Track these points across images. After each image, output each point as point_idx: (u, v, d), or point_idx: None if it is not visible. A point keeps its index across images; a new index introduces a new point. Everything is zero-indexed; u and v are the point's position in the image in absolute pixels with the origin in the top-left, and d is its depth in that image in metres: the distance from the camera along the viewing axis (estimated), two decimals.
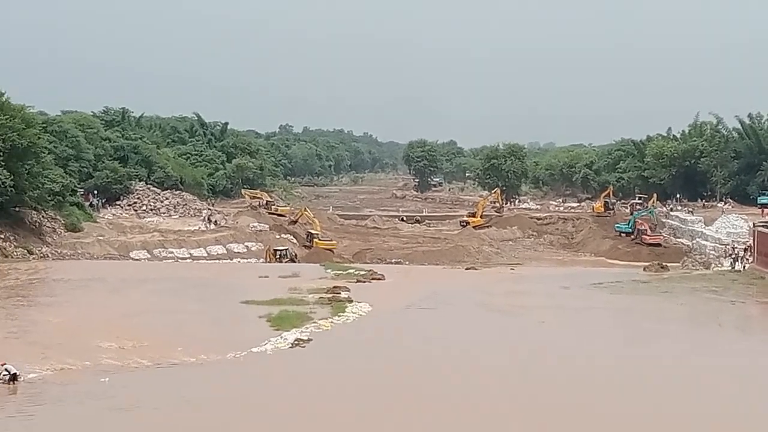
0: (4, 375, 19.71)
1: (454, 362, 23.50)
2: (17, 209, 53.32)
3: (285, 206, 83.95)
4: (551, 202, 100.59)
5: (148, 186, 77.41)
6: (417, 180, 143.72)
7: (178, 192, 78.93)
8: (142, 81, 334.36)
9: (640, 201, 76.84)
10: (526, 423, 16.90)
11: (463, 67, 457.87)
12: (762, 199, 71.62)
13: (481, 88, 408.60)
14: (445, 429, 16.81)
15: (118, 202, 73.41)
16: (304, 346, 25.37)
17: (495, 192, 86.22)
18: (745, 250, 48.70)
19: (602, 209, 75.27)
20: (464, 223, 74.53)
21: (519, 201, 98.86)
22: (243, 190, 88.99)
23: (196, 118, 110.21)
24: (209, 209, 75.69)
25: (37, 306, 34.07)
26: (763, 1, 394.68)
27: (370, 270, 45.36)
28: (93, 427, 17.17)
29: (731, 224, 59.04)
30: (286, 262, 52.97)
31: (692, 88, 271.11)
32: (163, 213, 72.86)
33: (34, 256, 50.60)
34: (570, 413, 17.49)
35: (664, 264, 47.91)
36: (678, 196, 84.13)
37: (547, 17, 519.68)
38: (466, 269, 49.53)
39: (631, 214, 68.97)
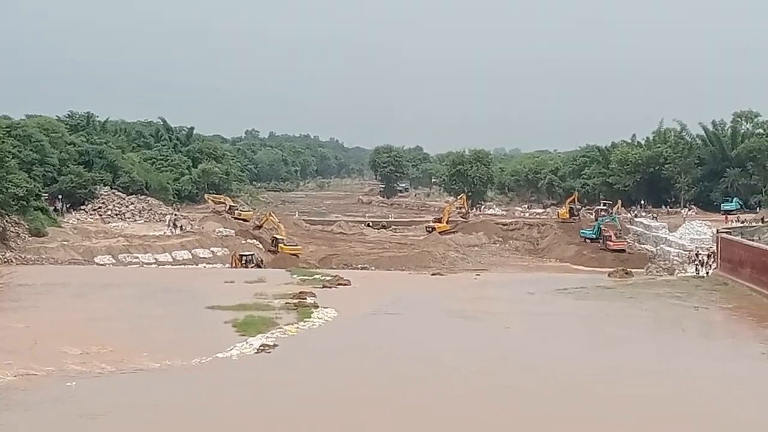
0: None
1: (418, 367, 23.76)
2: None
3: (249, 211, 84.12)
4: (517, 207, 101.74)
5: (113, 191, 77.34)
6: (383, 186, 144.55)
7: (143, 197, 79.06)
8: (107, 84, 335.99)
9: (604, 207, 77.39)
10: (486, 425, 17.68)
11: (430, 73, 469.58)
12: (725, 206, 73.83)
13: (448, 95, 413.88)
14: (407, 403, 18.55)
15: (82, 207, 72.81)
16: (269, 352, 25.70)
17: (461, 198, 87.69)
18: (709, 256, 49.65)
19: (567, 215, 76.02)
20: (430, 229, 75.32)
21: (485, 207, 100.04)
22: (207, 195, 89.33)
23: (162, 123, 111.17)
24: (174, 214, 75.59)
25: (1, 311, 33.88)
26: (725, 13, 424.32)
27: (336, 275, 46.04)
28: (61, 425, 17.63)
29: (695, 230, 59.55)
30: (251, 267, 52.98)
31: (657, 95, 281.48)
32: (129, 218, 72.92)
33: (4, 261, 50.37)
34: (528, 417, 18.12)
35: (628, 270, 49.01)
36: (642, 202, 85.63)
37: (512, 26, 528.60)
38: (432, 275, 49.82)
39: (596, 220, 69.59)
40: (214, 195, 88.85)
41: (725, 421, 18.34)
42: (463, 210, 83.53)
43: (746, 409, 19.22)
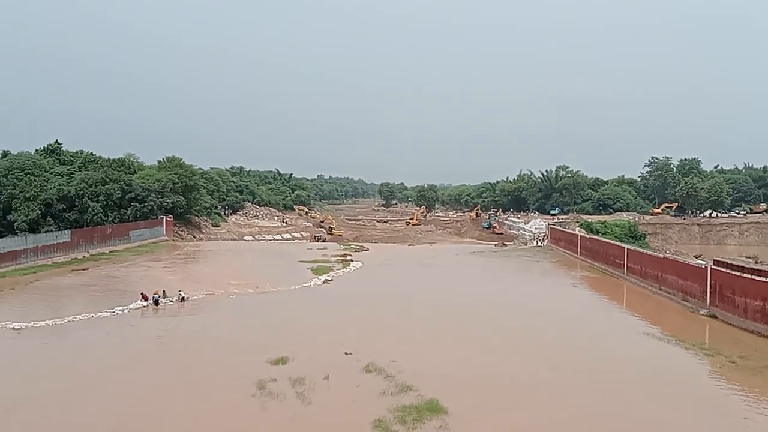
0: (179, 297, 37.09)
1: (404, 284, 46.25)
2: (188, 216, 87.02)
3: (318, 214, 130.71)
4: (450, 212, 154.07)
5: (253, 204, 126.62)
6: (384, 202, 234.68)
7: (267, 207, 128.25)
8: (247, 148, 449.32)
9: (493, 212, 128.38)
10: (434, 314, 36.46)
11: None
12: (552, 212, 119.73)
13: (420, 154, 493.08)
14: (399, 313, 35.45)
15: (237, 213, 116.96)
16: (329, 282, 45.71)
17: (422, 208, 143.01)
18: (545, 236, 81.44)
19: (475, 216, 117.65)
20: (408, 223, 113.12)
21: (434, 212, 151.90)
22: (296, 206, 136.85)
23: (276, 171, 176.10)
24: (282, 216, 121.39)
25: (197, 263, 57.31)
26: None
27: (361, 245, 75.39)
28: (230, 319, 33.48)
29: (537, 224, 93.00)
30: (320, 242, 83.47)
31: (515, 151, 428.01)
32: (260, 217, 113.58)
33: (196, 239, 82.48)
34: (454, 315, 35.38)
35: (505, 243, 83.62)
36: (511, 209, 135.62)
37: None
38: (408, 245, 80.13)
39: (488, 218, 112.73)
40: (300, 206, 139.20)
41: (550, 305, 38.00)
42: (423, 214, 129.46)
43: (561, 303, 38.94)
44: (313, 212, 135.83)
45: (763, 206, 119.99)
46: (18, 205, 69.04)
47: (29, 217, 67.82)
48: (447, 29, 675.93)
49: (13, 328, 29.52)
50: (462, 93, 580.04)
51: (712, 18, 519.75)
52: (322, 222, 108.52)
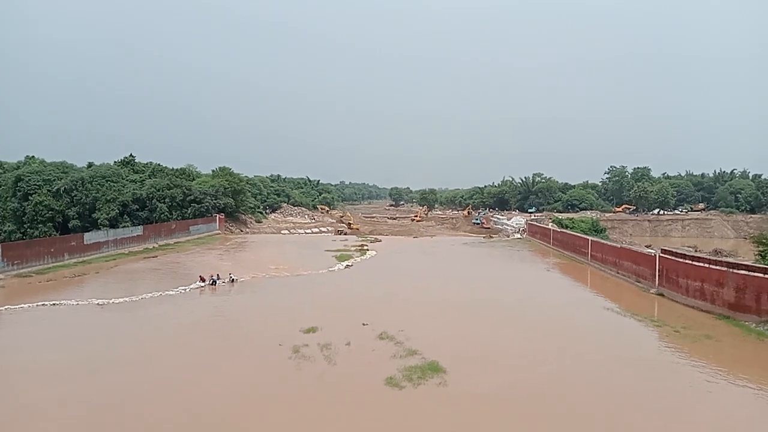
0: (230, 279, 37.41)
1: (410, 269, 46.03)
2: (236, 214, 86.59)
3: (338, 212, 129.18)
4: (447, 211, 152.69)
5: (288, 205, 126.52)
6: (394, 202, 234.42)
7: (299, 207, 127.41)
8: (285, 155, 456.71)
9: (482, 210, 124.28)
10: (435, 292, 36.17)
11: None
12: (530, 210, 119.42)
13: (422, 165, 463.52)
14: (407, 292, 35.15)
15: (275, 212, 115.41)
16: (350, 267, 45.83)
17: (424, 207, 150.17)
18: (524, 230, 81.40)
19: (467, 214, 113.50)
20: (413, 220, 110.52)
21: (434, 211, 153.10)
22: (319, 205, 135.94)
23: (306, 178, 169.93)
24: (311, 214, 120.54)
25: (244, 251, 57.03)
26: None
27: (375, 237, 75.01)
28: (271, 296, 34.19)
29: (518, 220, 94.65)
30: (342, 235, 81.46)
31: (499, 162, 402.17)
32: (294, 215, 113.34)
33: (242, 233, 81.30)
34: (451, 293, 36.20)
35: (492, 235, 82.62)
36: (496, 208, 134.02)
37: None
38: (413, 238, 78.95)
39: (478, 215, 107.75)
40: (321, 206, 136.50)
41: (528, 285, 38.60)
42: (426, 212, 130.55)
43: (537, 284, 39.63)
44: (332, 211, 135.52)
45: (701, 206, 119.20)
46: (101, 205, 69.70)
47: (110, 215, 68.53)
48: (442, 68, 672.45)
49: (98, 304, 29.84)
50: (456, 117, 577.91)
51: (658, 55, 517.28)
52: (342, 217, 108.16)
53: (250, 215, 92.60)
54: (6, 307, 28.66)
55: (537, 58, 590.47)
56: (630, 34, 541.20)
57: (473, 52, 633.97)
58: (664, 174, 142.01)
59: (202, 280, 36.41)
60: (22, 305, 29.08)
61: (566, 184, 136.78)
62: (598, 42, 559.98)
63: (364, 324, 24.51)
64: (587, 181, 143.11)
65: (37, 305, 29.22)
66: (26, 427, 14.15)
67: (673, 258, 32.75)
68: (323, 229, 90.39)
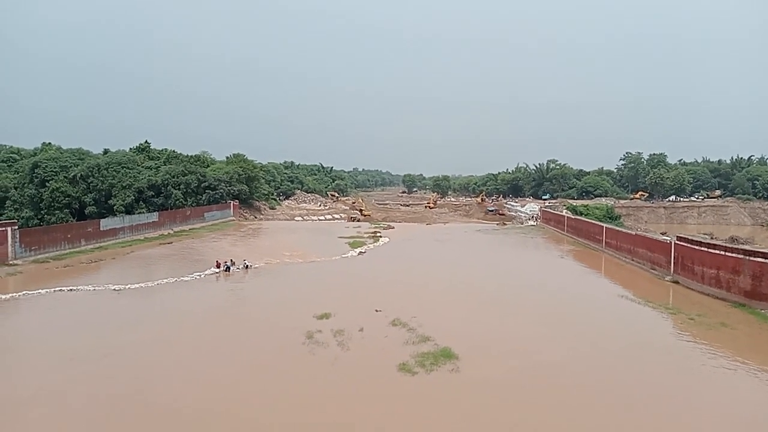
0: (244, 265, 37.54)
1: (423, 256, 45.56)
2: (250, 201, 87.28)
3: (349, 198, 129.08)
4: (460, 198, 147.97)
5: (302, 191, 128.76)
6: (407, 189, 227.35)
7: (313, 194, 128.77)
8: (299, 144, 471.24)
9: (496, 197, 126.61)
10: (447, 280, 35.66)
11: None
12: (544, 197, 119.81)
13: (435, 151, 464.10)
14: (419, 279, 35.10)
15: (289, 198, 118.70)
16: (363, 254, 46.09)
17: (436, 193, 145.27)
18: (538, 217, 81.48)
19: (481, 201, 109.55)
20: (426, 206, 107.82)
21: (447, 197, 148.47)
22: (330, 191, 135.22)
23: (320, 165, 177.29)
24: (324, 201, 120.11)
25: (258, 238, 57.79)
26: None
27: (388, 224, 74.50)
28: (284, 282, 33.64)
29: (531, 207, 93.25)
30: (355, 221, 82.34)
31: (516, 143, 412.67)
32: (307, 202, 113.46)
33: (257, 219, 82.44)
34: (463, 280, 35.59)
35: (505, 222, 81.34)
36: (510, 195, 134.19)
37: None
38: (426, 224, 78.88)
39: (492, 203, 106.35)
40: (332, 192, 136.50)
41: (542, 272, 38.05)
42: (438, 198, 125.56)
43: (551, 271, 39.02)
44: (342, 198, 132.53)
45: (717, 192, 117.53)
46: (117, 192, 70.43)
47: (125, 201, 69.28)
48: (460, 50, 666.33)
49: (114, 289, 30.21)
50: (469, 102, 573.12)
51: (677, 39, 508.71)
52: (354, 204, 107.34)
53: (263, 202, 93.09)
54: (24, 292, 29.14)
55: (554, 42, 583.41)
56: (651, 14, 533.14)
57: (491, 31, 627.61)
58: (680, 160, 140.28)
59: (218, 265, 36.75)
60: (40, 290, 29.54)
61: (581, 170, 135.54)
62: (614, 25, 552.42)
63: (377, 310, 24.55)
64: (602, 168, 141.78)
65: (54, 290, 29.68)
66: (47, 406, 14.40)
67: (688, 245, 32.34)
68: (336, 215, 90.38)
